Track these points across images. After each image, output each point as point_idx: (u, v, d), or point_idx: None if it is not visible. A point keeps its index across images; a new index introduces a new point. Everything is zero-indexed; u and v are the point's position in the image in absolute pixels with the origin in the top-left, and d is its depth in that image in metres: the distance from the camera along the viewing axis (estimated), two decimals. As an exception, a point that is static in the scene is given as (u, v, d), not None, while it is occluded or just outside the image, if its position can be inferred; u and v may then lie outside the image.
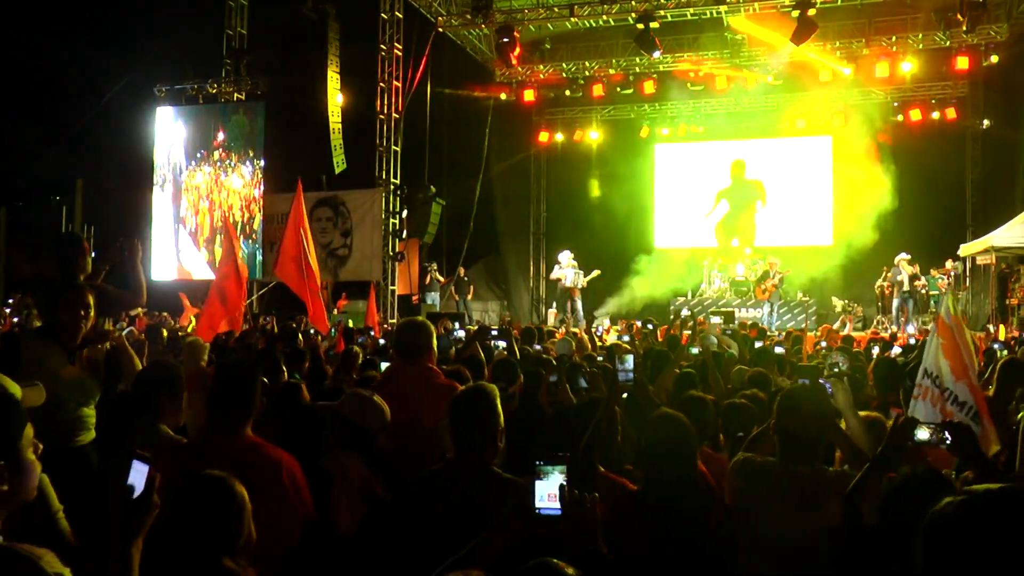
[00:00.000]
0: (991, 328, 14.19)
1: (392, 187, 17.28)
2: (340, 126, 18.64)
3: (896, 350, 8.61)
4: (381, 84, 17.17)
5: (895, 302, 16.86)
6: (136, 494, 2.17)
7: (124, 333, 8.19)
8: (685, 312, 14.66)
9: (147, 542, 2.21)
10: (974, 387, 3.99)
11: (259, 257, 18.02)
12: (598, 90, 19.07)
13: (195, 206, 19.08)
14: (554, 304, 19.36)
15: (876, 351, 8.68)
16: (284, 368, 5.55)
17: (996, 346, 8.60)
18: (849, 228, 18.89)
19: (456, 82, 19.28)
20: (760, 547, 2.99)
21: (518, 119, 21.33)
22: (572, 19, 17.24)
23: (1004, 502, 1.44)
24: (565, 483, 2.30)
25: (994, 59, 16.67)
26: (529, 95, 19.61)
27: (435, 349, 4.54)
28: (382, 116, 17.22)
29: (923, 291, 16.96)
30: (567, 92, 19.78)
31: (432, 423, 3.86)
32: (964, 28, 15.79)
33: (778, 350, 8.01)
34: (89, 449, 4.13)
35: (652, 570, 2.89)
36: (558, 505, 2.29)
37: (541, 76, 19.99)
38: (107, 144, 20.87)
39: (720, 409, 4.36)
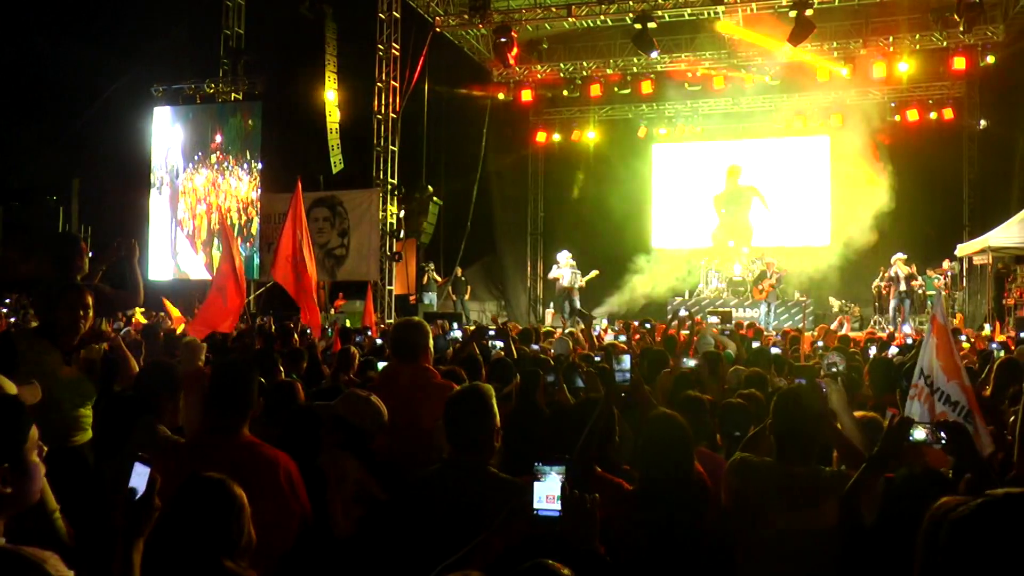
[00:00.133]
0: (987, 328, 14.21)
1: (389, 187, 17.26)
2: (337, 126, 18.63)
3: (893, 350, 8.62)
4: (378, 84, 17.14)
5: (892, 302, 16.88)
6: (137, 496, 2.17)
7: (121, 334, 8.19)
8: (683, 312, 14.64)
9: (148, 543, 2.21)
10: (966, 387, 4.00)
11: (256, 259, 17.99)
12: (595, 90, 19.07)
13: (192, 209, 19.05)
14: (552, 304, 19.34)
15: (873, 351, 8.68)
16: (282, 368, 5.54)
17: (994, 346, 8.62)
18: (846, 228, 18.92)
19: (454, 82, 19.29)
20: (757, 547, 3.00)
21: (516, 119, 21.34)
22: (570, 19, 17.24)
23: None
24: (565, 484, 2.30)
25: (991, 59, 16.68)
26: (527, 95, 19.62)
27: (431, 349, 4.54)
28: (379, 116, 17.20)
29: (920, 291, 16.98)
30: (564, 92, 19.77)
31: (429, 424, 3.85)
32: (961, 28, 15.81)
33: (775, 350, 8.01)
34: (86, 449, 4.11)
35: (649, 569, 2.90)
36: (557, 506, 2.29)
37: (539, 76, 20.00)
38: (104, 144, 20.82)
39: (717, 409, 4.37)
